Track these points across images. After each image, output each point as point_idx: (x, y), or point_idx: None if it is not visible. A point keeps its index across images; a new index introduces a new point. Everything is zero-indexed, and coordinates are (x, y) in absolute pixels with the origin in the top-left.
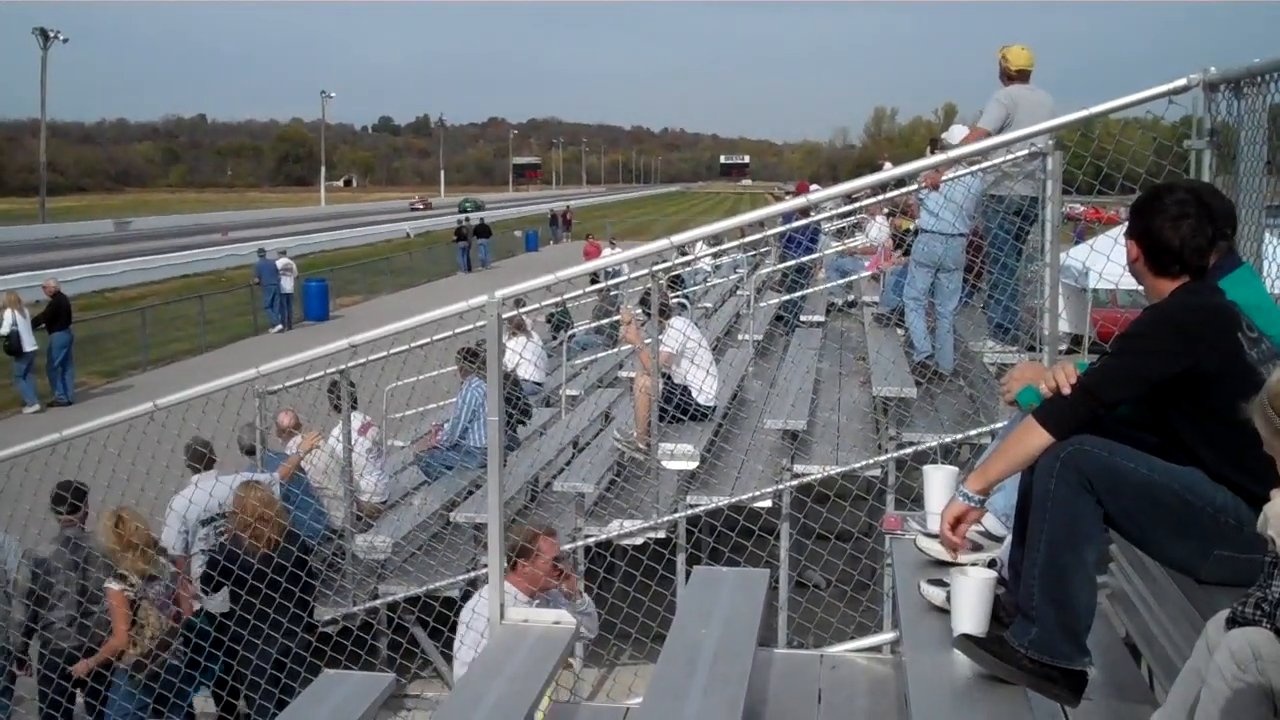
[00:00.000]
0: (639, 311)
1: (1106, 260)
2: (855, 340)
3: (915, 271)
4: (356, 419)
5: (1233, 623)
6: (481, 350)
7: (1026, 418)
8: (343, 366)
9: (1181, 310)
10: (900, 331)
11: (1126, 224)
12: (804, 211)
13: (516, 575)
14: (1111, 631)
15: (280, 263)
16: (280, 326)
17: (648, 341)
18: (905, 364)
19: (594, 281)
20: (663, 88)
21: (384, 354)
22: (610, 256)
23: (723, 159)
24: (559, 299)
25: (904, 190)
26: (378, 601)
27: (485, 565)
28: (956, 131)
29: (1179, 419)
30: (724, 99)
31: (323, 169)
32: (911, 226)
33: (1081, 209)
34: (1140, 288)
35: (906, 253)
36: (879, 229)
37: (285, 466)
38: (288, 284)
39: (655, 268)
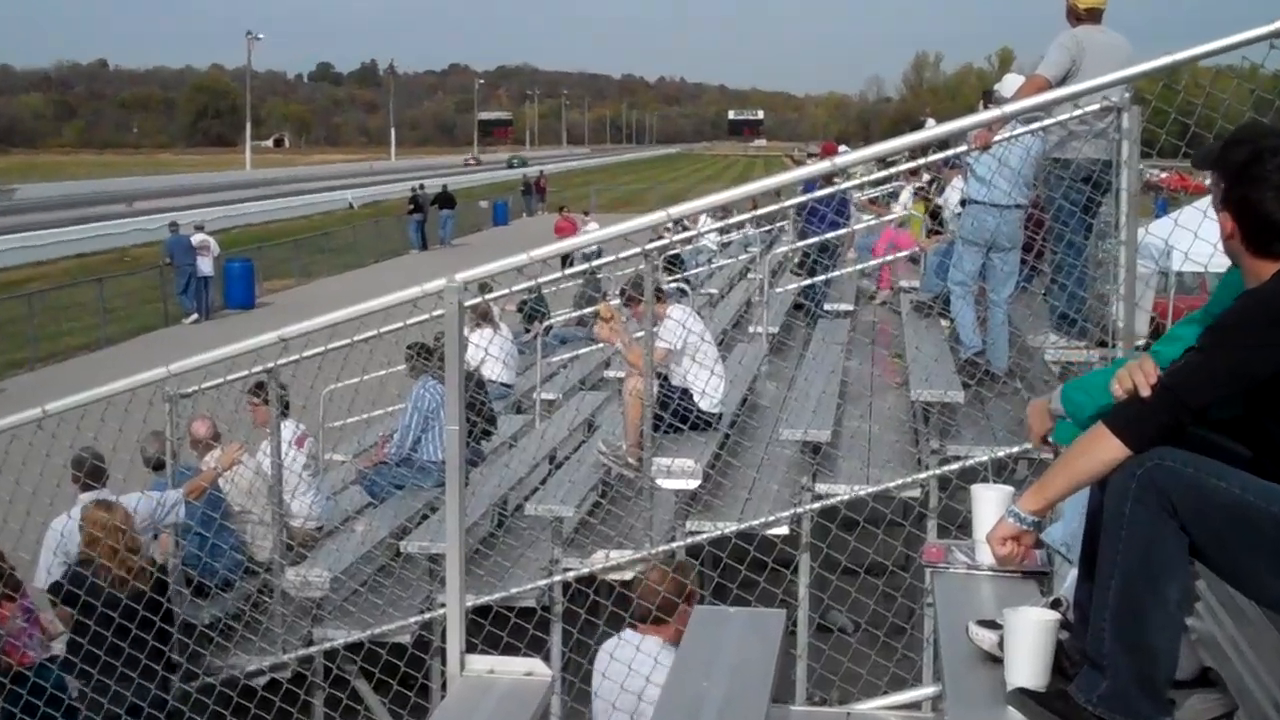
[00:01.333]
0: (618, 301)
1: (1194, 237)
2: (891, 334)
3: (963, 250)
4: (288, 428)
5: None
6: (439, 345)
7: (1096, 424)
8: (271, 365)
9: None
10: (945, 323)
11: (1219, 193)
12: (829, 178)
13: (671, 625)
14: None
15: (196, 239)
16: (196, 316)
17: (638, 335)
18: (950, 362)
19: (567, 264)
20: (659, 29)
21: (321, 350)
22: (588, 233)
23: (731, 115)
24: (533, 283)
25: (950, 152)
26: (313, 649)
27: (443, 605)
28: (1012, 81)
29: (1278, 427)
30: (733, 43)
31: (248, 126)
32: (921, 212)
33: (1164, 175)
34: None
35: (931, 233)
36: (909, 196)
37: (194, 483)
38: (205, 265)
39: (649, 246)
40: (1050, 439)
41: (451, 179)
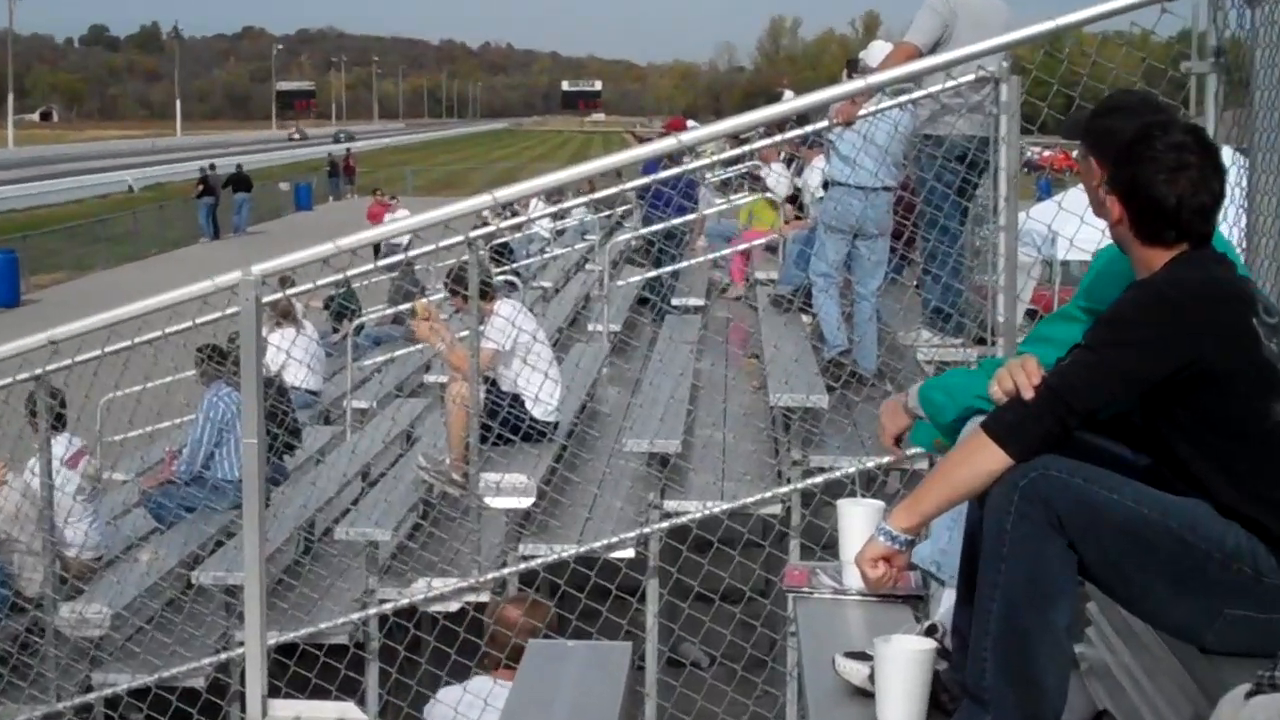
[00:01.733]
0: (439, 296)
1: (1080, 222)
2: (747, 331)
3: (826, 238)
4: (60, 444)
5: (1258, 693)
6: (233, 347)
7: (974, 431)
8: (40, 371)
9: (1178, 288)
10: (806, 319)
11: (1095, 171)
12: (675, 156)
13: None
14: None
15: None
16: None
17: (462, 335)
18: (813, 363)
19: (379, 255)
20: None
21: (98, 353)
22: (400, 220)
23: (565, 85)
24: (341, 277)
25: (809, 129)
26: (92, 695)
27: (241, 644)
28: (878, 49)
29: (1176, 433)
30: (565, 5)
31: (9, 97)
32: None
33: (1047, 154)
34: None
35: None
36: (777, 179)
37: None
38: None
39: (474, 234)
40: (904, 441)
41: (250, 158)
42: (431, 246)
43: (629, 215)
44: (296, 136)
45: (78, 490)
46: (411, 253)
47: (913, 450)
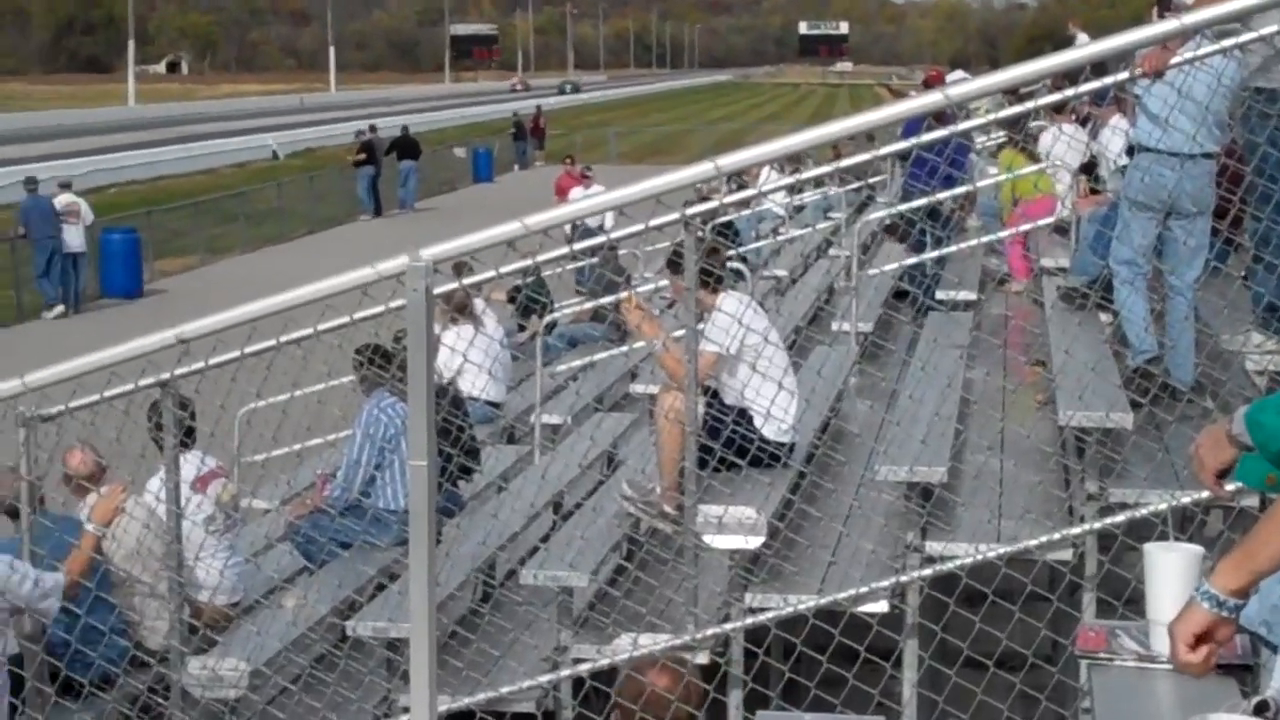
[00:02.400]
0: (646, 287)
1: None
2: (1030, 333)
3: (1131, 218)
4: (189, 463)
5: None
6: (399, 349)
7: None
8: (167, 375)
9: None
10: (1105, 318)
11: None
12: (941, 115)
13: None
14: None
15: (61, 201)
16: (61, 308)
17: (677, 335)
18: (1114, 372)
19: (571, 240)
20: None
21: (235, 355)
22: (591, 196)
23: (803, 28)
24: (529, 264)
25: (1108, 80)
26: None
27: (406, 709)
28: None
29: None
30: None
31: (130, 45)
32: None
33: None
34: None
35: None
36: (1064, 144)
37: (77, 559)
38: (74, 237)
39: (691, 211)
40: (1228, 476)
41: (418, 119)
42: (639, 226)
43: (883, 188)
44: (519, 87)
45: (208, 520)
46: (615, 233)
47: (1236, 486)
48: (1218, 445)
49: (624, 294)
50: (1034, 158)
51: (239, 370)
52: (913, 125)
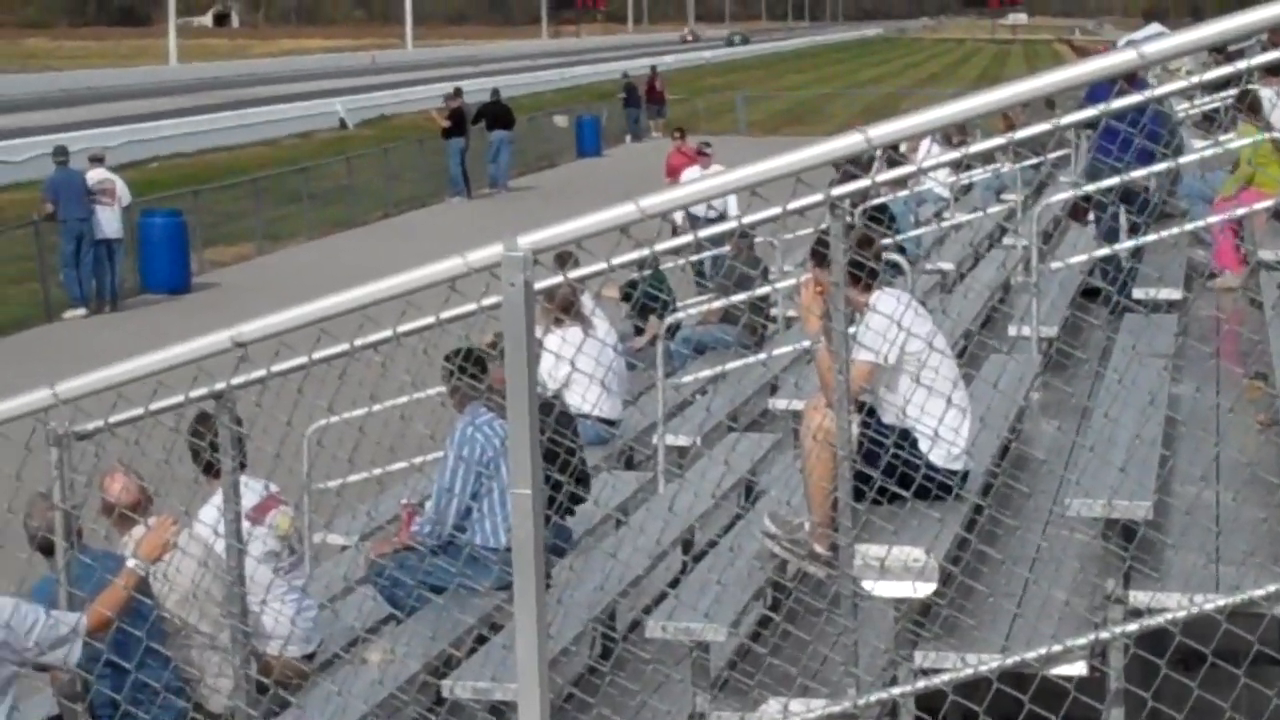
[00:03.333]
0: (786, 282)
1: None
2: (1246, 338)
3: None
4: (252, 490)
5: None
6: (496, 356)
7: None
8: (222, 386)
9: None
10: None
11: None
12: (1133, 78)
13: None
14: None
15: (94, 177)
16: (83, 310)
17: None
18: None
19: (677, 231)
20: None
21: (302, 362)
22: (710, 176)
23: None
24: (646, 254)
25: None
26: None
27: None
28: None
29: None
30: None
31: None
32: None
33: None
34: None
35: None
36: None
37: (110, 596)
38: (109, 221)
39: (837, 191)
40: None
41: (511, 80)
42: (776, 210)
43: (1066, 165)
44: (690, 39)
45: (271, 556)
46: (749, 217)
47: None
48: None
49: (799, 278)
50: (1270, 129)
51: (306, 380)
52: (1099, 90)
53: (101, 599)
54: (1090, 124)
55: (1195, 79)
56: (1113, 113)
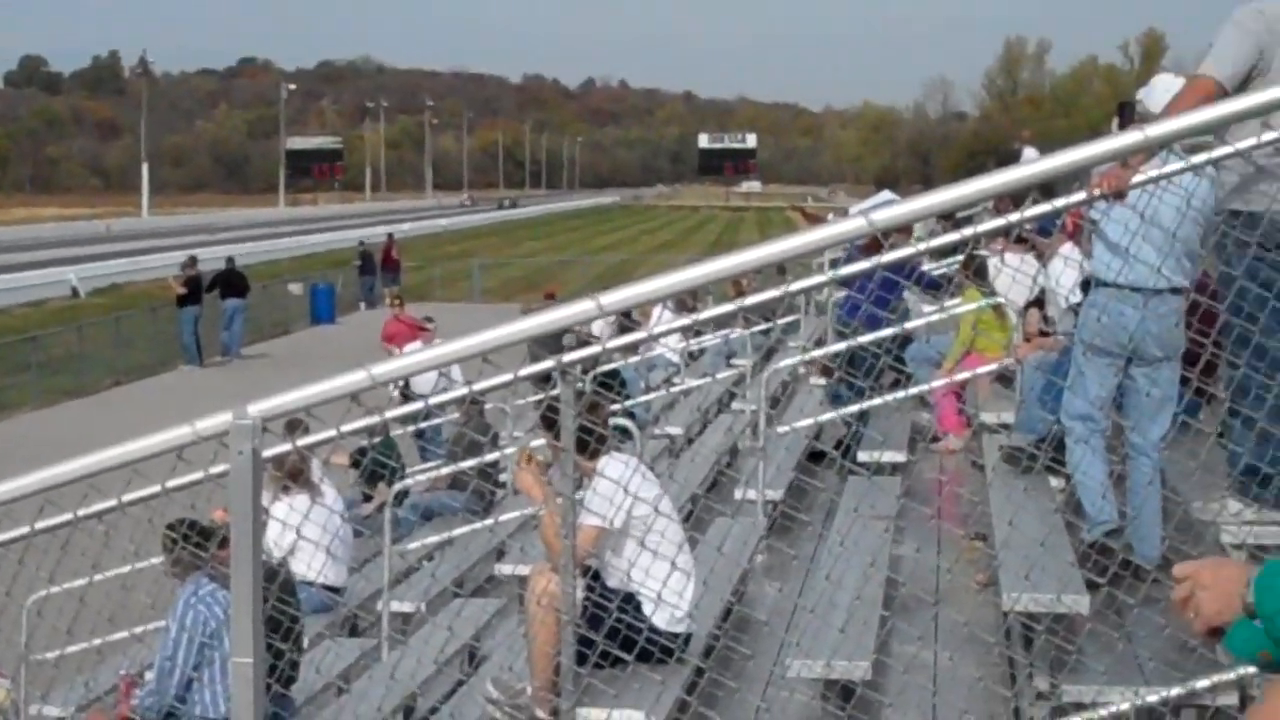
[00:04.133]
0: (509, 450)
1: None
2: (967, 500)
3: (1085, 364)
4: None
5: None
6: (221, 525)
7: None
8: None
9: None
10: (1056, 483)
11: None
12: (873, 243)
13: None
14: None
15: None
16: None
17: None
18: (1067, 548)
19: (406, 399)
20: (586, 8)
21: (24, 531)
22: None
23: (703, 141)
24: (375, 420)
25: (1060, 204)
26: None
27: None
28: (1162, 87)
29: None
30: (706, 28)
31: None
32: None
33: None
34: None
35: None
36: (1008, 277)
37: None
38: None
39: (569, 357)
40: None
41: (246, 248)
42: (507, 376)
43: (794, 330)
44: (468, 203)
45: None
46: (479, 384)
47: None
48: (1226, 593)
49: (511, 449)
50: (1003, 315)
51: (27, 550)
52: (851, 253)
53: None
54: (831, 283)
55: (923, 245)
56: (842, 279)
